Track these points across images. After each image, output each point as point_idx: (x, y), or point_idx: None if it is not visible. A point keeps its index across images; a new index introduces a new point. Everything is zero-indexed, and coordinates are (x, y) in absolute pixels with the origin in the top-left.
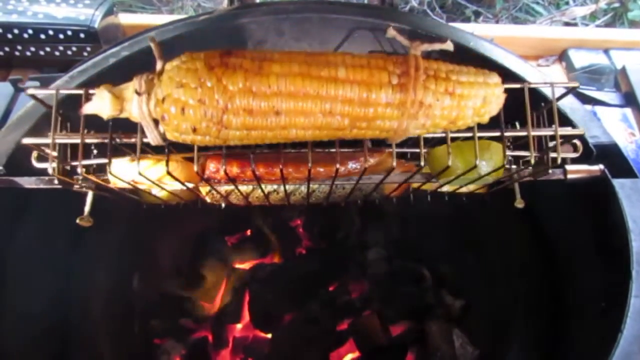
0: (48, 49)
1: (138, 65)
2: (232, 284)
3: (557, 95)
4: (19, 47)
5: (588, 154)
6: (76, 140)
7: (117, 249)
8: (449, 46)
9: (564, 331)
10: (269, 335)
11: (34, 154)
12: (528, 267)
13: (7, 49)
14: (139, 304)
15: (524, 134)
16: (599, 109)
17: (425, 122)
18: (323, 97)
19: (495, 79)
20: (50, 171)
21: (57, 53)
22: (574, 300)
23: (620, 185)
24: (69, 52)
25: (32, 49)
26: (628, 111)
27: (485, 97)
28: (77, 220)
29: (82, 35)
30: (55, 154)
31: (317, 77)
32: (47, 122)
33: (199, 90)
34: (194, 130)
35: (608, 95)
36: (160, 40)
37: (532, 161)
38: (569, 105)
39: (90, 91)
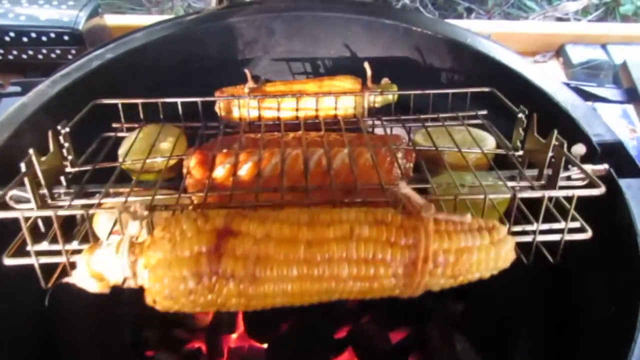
0: (31, 52)
1: (123, 67)
2: None
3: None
4: (0, 51)
5: (592, 153)
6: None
7: None
8: (466, 219)
9: (571, 336)
10: (265, 345)
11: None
12: (531, 271)
13: None
14: (130, 315)
15: (529, 239)
16: (598, 105)
17: (423, 290)
18: (323, 293)
19: (509, 244)
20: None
21: (40, 56)
22: (581, 305)
23: (627, 185)
24: (53, 55)
25: (14, 52)
26: (629, 107)
27: (493, 269)
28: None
29: (66, 38)
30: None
31: (318, 279)
32: (29, 128)
33: (191, 296)
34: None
35: (609, 92)
36: (147, 41)
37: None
38: (571, 102)
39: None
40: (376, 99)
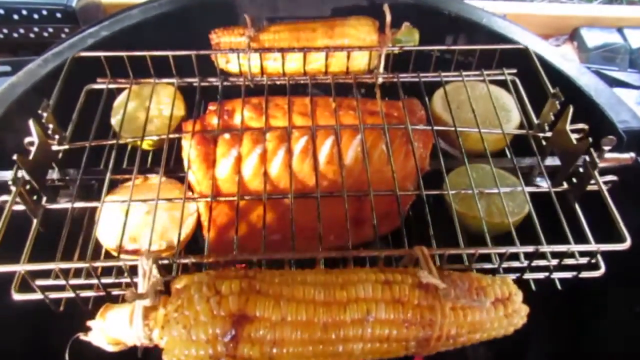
0: (22, 31)
1: (118, 46)
2: None
3: None
4: None
5: (617, 141)
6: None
7: None
8: (485, 305)
9: (588, 332)
10: None
11: None
12: None
13: None
14: None
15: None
16: (615, 90)
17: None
18: None
19: (522, 312)
20: None
21: (32, 35)
22: (599, 301)
23: None
24: (45, 34)
25: (5, 30)
26: None
27: (503, 334)
28: None
29: (58, 15)
30: None
31: (332, 354)
32: (19, 109)
33: None
34: None
35: (631, 76)
36: (143, 18)
37: None
38: (594, 87)
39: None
40: (394, 51)
